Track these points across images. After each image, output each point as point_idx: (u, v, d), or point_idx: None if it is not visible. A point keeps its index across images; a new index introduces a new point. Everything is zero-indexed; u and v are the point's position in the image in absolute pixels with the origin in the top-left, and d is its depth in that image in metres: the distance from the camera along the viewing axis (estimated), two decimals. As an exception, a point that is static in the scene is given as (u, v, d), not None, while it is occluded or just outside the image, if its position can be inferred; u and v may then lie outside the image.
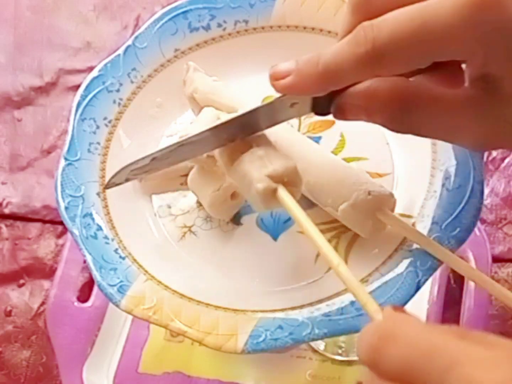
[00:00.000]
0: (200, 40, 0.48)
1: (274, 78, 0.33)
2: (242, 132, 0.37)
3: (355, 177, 0.41)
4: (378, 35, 0.29)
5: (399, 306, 0.28)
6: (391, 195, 0.40)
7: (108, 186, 0.41)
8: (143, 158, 0.38)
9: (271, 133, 0.43)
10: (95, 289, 0.57)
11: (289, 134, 0.44)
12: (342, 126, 0.45)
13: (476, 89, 0.31)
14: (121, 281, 0.40)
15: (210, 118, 0.42)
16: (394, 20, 0.29)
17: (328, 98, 0.34)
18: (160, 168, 0.40)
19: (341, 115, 0.34)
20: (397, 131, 0.33)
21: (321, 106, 0.35)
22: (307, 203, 0.43)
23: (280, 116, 0.37)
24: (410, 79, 0.33)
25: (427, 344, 0.24)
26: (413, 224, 0.40)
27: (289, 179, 0.36)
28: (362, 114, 0.33)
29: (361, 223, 0.40)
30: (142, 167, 0.39)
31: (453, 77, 0.32)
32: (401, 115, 0.32)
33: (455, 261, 0.38)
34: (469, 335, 0.24)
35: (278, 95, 0.35)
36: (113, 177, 0.40)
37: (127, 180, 0.40)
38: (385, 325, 0.26)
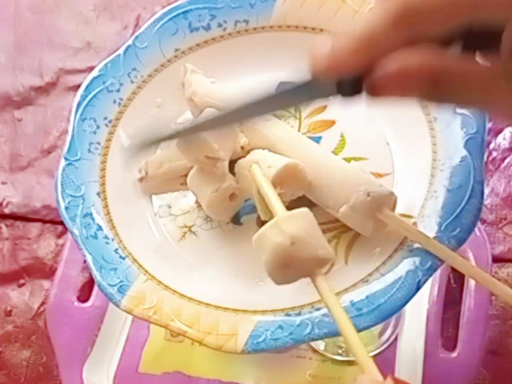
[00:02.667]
0: (200, 40, 0.48)
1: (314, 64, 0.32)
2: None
3: (354, 178, 0.40)
4: None
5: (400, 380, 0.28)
6: (391, 193, 0.40)
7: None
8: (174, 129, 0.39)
9: (271, 134, 0.43)
10: (95, 289, 0.57)
11: (289, 134, 0.44)
12: (342, 126, 0.45)
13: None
14: (121, 281, 0.40)
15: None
16: None
17: (354, 78, 0.32)
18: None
19: (376, 92, 0.32)
20: (434, 103, 0.33)
21: (347, 87, 0.33)
22: (308, 203, 0.43)
23: (303, 98, 0.35)
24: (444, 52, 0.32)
25: None
26: (414, 224, 0.40)
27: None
28: (397, 90, 0.32)
29: (362, 224, 0.40)
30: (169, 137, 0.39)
31: (487, 51, 0.32)
32: (433, 89, 0.31)
33: (457, 260, 0.38)
34: None
35: None
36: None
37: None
38: None
